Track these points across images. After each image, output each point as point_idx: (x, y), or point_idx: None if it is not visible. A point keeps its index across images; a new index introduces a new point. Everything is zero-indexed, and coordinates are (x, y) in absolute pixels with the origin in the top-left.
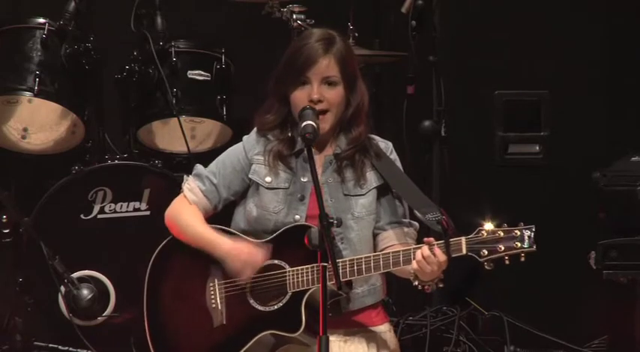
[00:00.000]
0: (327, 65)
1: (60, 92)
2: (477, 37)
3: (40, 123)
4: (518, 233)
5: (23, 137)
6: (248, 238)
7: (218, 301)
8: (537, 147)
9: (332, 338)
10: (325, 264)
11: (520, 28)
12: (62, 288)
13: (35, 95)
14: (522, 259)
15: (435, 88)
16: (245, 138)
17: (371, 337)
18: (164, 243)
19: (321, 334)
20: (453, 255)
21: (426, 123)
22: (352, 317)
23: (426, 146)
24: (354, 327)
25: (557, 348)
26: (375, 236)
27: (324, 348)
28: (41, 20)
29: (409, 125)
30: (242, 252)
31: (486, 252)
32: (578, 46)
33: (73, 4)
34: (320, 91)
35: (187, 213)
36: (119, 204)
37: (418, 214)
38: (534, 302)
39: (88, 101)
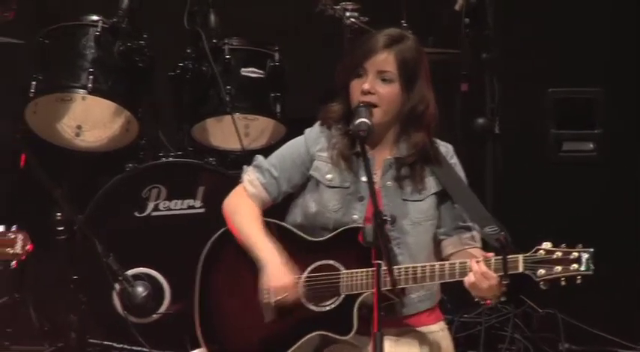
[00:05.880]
0: (384, 59)
1: (113, 89)
2: (529, 34)
3: (93, 120)
4: (576, 255)
5: (77, 134)
6: (305, 236)
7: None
8: (591, 145)
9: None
10: (380, 262)
11: (573, 25)
12: (117, 286)
13: (89, 93)
14: (578, 282)
15: (489, 86)
16: (307, 131)
17: (423, 336)
18: (217, 235)
19: (375, 330)
20: (509, 273)
21: (480, 120)
22: (404, 318)
23: (479, 143)
24: (405, 327)
25: (613, 346)
26: (439, 242)
27: (378, 345)
28: (95, 17)
29: (463, 122)
30: (281, 283)
31: (543, 272)
32: (632, 42)
33: (126, 1)
34: (373, 84)
35: (244, 210)
36: (173, 202)
37: (476, 226)
38: (589, 300)
39: (142, 99)
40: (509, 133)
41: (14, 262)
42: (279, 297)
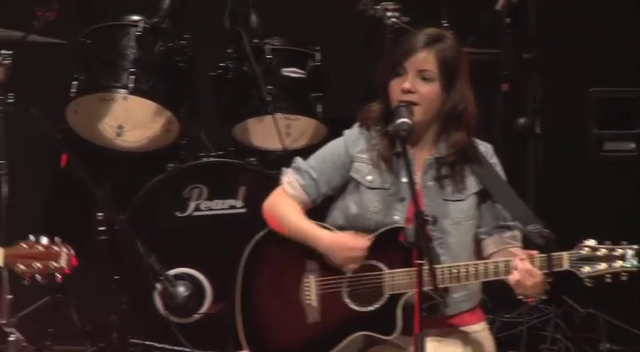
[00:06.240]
0: (424, 58)
1: (155, 89)
2: (571, 34)
3: (135, 120)
4: (621, 251)
5: (118, 134)
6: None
7: (313, 297)
8: (632, 145)
9: (426, 339)
10: (422, 262)
11: (614, 24)
12: (158, 286)
13: (130, 93)
14: (624, 278)
15: (530, 86)
16: (346, 132)
17: (465, 337)
18: (260, 235)
19: (417, 331)
20: (553, 270)
21: (521, 120)
22: (447, 318)
23: (521, 143)
24: (447, 327)
25: None
26: (480, 241)
27: (420, 346)
28: (136, 17)
29: (504, 123)
30: (344, 246)
31: (587, 269)
32: None
33: (167, 1)
34: (413, 83)
35: (286, 205)
36: (215, 202)
37: (518, 225)
38: (630, 300)
39: (183, 99)
40: (551, 133)
41: (59, 276)
42: (356, 259)
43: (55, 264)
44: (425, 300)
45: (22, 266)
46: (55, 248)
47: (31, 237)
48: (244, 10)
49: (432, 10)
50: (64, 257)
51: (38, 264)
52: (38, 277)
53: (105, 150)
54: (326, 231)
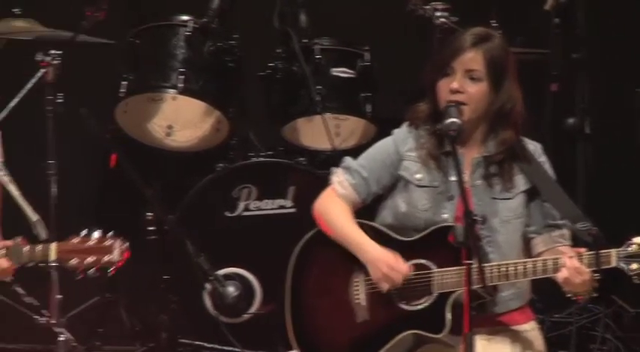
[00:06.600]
0: (471, 58)
1: (204, 89)
2: (620, 33)
3: (184, 120)
4: None
5: (168, 134)
6: (396, 235)
7: (362, 297)
8: None
9: (475, 337)
10: (471, 262)
11: None
12: (208, 286)
13: (180, 92)
14: None
15: (579, 86)
16: (395, 131)
17: (515, 336)
18: (309, 235)
19: (466, 330)
20: (602, 268)
21: (570, 120)
22: (496, 317)
23: (570, 143)
24: (497, 326)
25: None
26: (528, 240)
27: (469, 345)
28: (185, 17)
29: (553, 123)
30: (386, 264)
31: (636, 266)
32: None
33: (217, 1)
34: (461, 83)
35: (336, 209)
36: (264, 202)
37: (567, 223)
38: None
39: (232, 98)
40: (599, 133)
41: (112, 269)
42: (393, 281)
43: (107, 258)
44: (474, 299)
45: (74, 261)
46: (108, 241)
47: (84, 232)
48: (293, 9)
49: (480, 10)
50: (117, 250)
51: (91, 258)
52: (91, 271)
53: (154, 150)
54: (372, 244)
